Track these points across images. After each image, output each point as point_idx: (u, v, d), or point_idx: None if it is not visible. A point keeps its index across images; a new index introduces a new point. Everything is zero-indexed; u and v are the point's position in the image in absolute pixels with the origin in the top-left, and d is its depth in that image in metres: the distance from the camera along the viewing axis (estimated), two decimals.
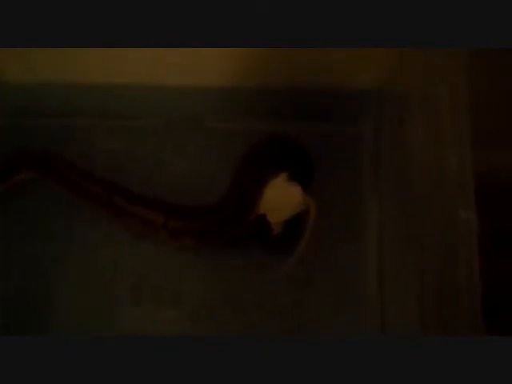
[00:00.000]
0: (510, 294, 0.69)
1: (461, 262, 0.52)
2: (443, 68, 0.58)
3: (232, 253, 0.66)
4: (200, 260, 0.67)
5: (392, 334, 0.64)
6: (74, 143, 0.71)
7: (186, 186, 0.69)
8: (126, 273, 0.66)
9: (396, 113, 0.66)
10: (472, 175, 0.54)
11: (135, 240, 0.67)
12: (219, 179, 0.66)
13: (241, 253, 0.66)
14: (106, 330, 0.65)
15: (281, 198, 0.63)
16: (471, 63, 0.58)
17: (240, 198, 0.63)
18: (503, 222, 0.71)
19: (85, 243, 0.67)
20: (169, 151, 0.71)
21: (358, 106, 0.71)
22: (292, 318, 0.65)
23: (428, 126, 0.59)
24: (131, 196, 0.65)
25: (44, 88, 0.69)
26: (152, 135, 0.72)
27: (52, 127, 0.71)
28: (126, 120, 0.72)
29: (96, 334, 0.63)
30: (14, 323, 0.65)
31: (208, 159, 0.71)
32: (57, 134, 0.71)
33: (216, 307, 0.65)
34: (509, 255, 0.71)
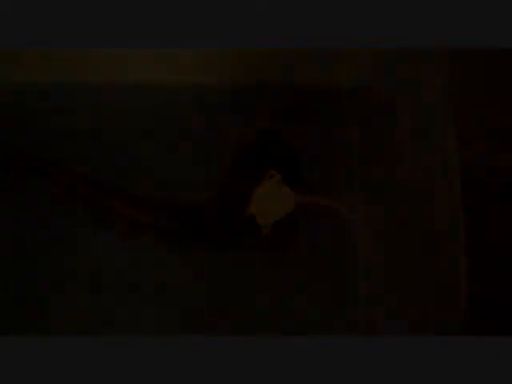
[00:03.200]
0: (496, 294, 0.70)
1: (447, 261, 0.53)
2: (429, 68, 0.59)
3: (222, 252, 0.67)
4: (191, 260, 0.67)
5: (380, 335, 0.64)
6: (59, 143, 0.70)
7: (173, 186, 0.69)
8: (115, 272, 0.66)
9: (383, 112, 0.66)
10: (459, 174, 0.55)
11: (124, 239, 0.67)
12: (206, 179, 0.67)
13: (231, 252, 0.67)
14: (93, 331, 0.65)
15: (271, 199, 0.63)
16: (456, 63, 0.58)
17: (229, 198, 0.63)
18: (489, 221, 0.72)
19: (73, 241, 0.67)
20: (156, 151, 0.71)
21: (344, 105, 0.72)
22: (281, 318, 0.66)
23: (415, 125, 0.59)
24: (120, 196, 0.65)
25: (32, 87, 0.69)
26: (140, 135, 0.72)
27: (38, 128, 0.71)
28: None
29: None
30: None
31: (196, 158, 0.71)
32: (42, 134, 0.71)
33: (207, 307, 0.66)
34: (495, 255, 0.71)
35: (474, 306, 0.51)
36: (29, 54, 0.67)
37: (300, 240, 0.65)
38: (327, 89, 0.70)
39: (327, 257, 0.67)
